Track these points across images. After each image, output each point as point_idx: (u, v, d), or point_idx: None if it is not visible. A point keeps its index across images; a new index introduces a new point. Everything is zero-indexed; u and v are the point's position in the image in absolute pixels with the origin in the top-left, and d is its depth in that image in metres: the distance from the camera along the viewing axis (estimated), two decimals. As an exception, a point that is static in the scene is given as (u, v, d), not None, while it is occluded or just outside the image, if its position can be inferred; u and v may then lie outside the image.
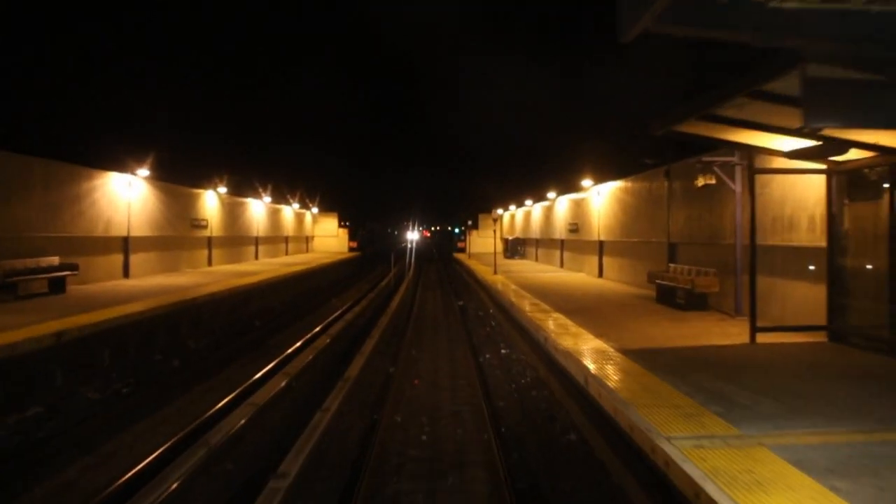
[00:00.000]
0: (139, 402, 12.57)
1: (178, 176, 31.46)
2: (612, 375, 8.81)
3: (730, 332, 12.67)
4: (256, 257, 43.92)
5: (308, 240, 61.59)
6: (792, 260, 13.12)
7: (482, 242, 62.83)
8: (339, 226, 64.18)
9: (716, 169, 14.74)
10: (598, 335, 12.35)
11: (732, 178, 14.83)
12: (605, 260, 28.36)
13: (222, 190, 35.06)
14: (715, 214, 16.59)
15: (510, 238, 51.29)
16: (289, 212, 52.91)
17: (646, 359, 9.91)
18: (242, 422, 10.43)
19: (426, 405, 13.07)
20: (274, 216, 49.01)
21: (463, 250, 66.05)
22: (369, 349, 16.52)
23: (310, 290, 34.90)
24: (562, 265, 37.50)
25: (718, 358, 10.15)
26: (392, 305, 26.30)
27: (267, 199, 45.00)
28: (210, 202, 34.24)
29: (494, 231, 37.46)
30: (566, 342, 11.58)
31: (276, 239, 49.65)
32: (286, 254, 52.38)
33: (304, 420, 10.57)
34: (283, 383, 13.03)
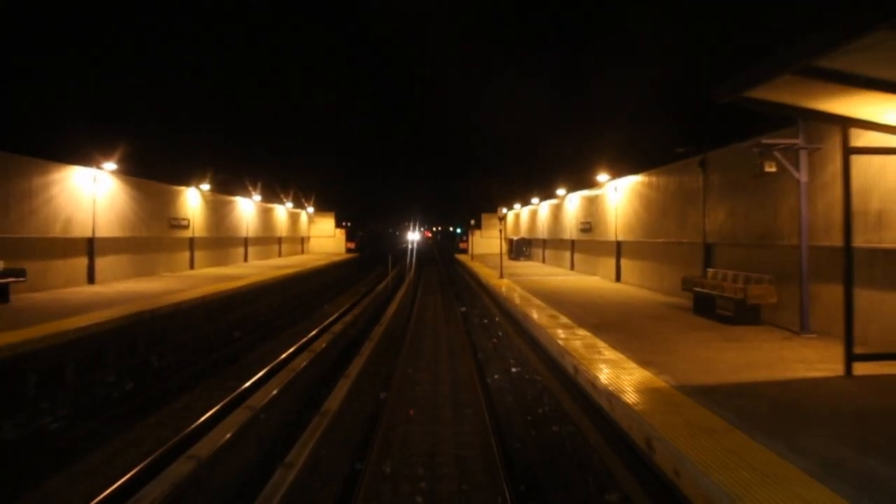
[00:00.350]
0: (62, 443, 9.97)
1: (157, 171, 28.91)
2: (687, 438, 6.16)
3: (807, 358, 10.01)
4: (246, 259, 41.34)
5: (304, 241, 59.03)
6: (882, 266, 10.47)
7: (485, 243, 60.31)
8: (337, 226, 61.58)
9: (776, 154, 12.07)
10: (642, 363, 9.70)
11: (795, 165, 12.17)
12: (624, 262, 25.72)
13: (206, 187, 32.44)
14: (768, 209, 13.92)
15: (515, 238, 48.65)
16: (282, 211, 50.35)
17: (720, 403, 7.28)
18: (176, 480, 7.80)
19: (423, 447, 10.46)
20: (266, 216, 46.43)
21: (465, 251, 63.45)
22: (357, 370, 13.89)
23: (300, 295, 32.30)
24: (572, 267, 34.86)
25: (817, 402, 7.51)
26: (388, 313, 23.68)
27: (257, 197, 42.42)
28: (192, 200, 31.65)
29: (500, 231, 34.81)
30: (603, 374, 8.95)
31: (267, 240, 47.08)
32: (279, 255, 49.78)
33: (261, 478, 8.00)
34: (246, 417, 10.39)
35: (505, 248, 63.68)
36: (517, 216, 54.63)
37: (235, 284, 24.75)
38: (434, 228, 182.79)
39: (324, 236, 61.43)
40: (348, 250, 61.65)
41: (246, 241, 41.26)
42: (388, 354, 17.02)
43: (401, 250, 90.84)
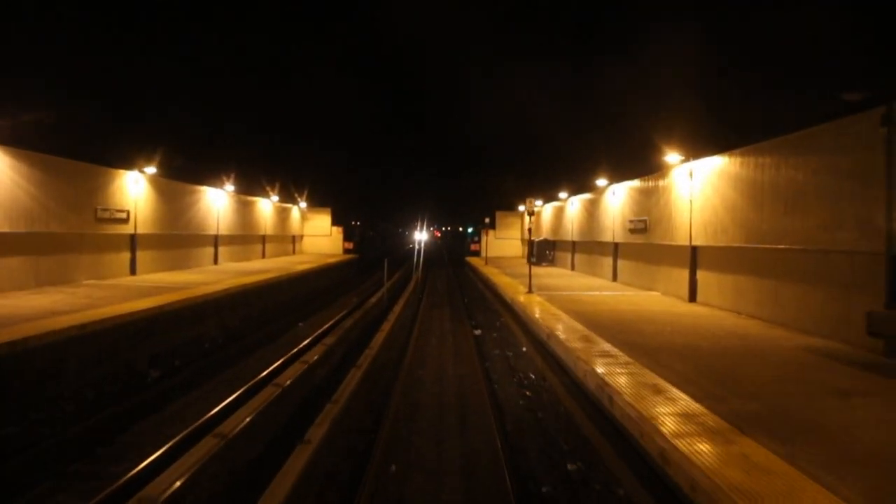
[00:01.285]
0: None
1: (87, 150, 22.18)
2: None
3: None
4: (216, 262, 34.58)
5: (295, 240, 52.24)
6: None
7: (500, 245, 53.31)
8: (334, 223, 54.76)
9: None
10: None
11: None
12: (703, 276, 18.66)
13: (152, 170, 25.60)
14: None
15: (536, 240, 41.64)
16: (266, 206, 43.58)
17: None
18: None
19: None
20: (245, 211, 39.68)
21: (477, 253, 56.48)
22: (297, 470, 7.02)
23: (270, 309, 25.54)
24: (615, 278, 27.87)
25: None
26: (375, 343, 16.79)
27: (230, 187, 35.67)
28: (134, 187, 24.82)
29: (528, 229, 27.86)
30: None
31: (247, 239, 40.32)
32: (263, 256, 43.01)
33: None
34: None
35: (523, 250, 56.80)
36: (538, 215, 47.62)
37: (175, 297, 17.95)
38: (444, 228, 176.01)
39: (319, 235, 54.65)
40: (346, 251, 54.84)
41: (216, 240, 34.50)
42: (362, 436, 10.10)
43: (406, 251, 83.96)
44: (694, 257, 19.08)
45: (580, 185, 33.78)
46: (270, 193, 43.66)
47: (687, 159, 19.30)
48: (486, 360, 16.78)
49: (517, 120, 64.86)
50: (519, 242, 55.16)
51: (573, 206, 35.16)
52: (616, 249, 27.64)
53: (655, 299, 20.19)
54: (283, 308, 26.52)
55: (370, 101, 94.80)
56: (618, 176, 27.32)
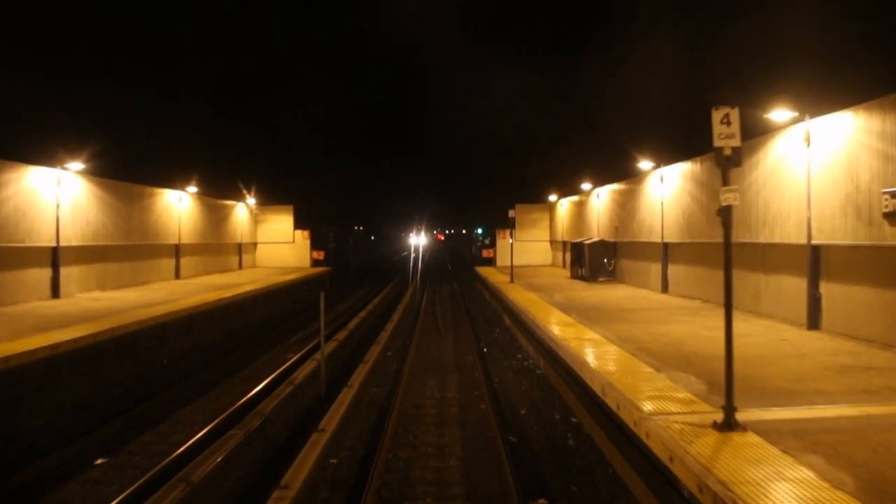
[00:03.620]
0: None
1: None
2: None
3: None
4: (55, 293, 20.46)
5: (241, 250, 38.13)
6: None
7: (524, 250, 38.92)
8: (299, 226, 40.61)
9: None
10: None
11: None
12: None
13: None
14: None
15: (587, 242, 27.32)
16: (177, 201, 29.46)
17: None
18: None
19: None
20: (132, 208, 25.66)
21: (490, 261, 42.19)
22: None
23: (114, 389, 11.31)
24: (815, 324, 13.60)
25: None
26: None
27: (76, 165, 21.50)
28: None
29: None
30: None
31: (142, 252, 26.28)
32: (176, 276, 28.93)
33: None
34: None
35: (549, 257, 42.27)
36: (578, 207, 33.38)
37: None
38: (447, 231, 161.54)
39: (278, 242, 40.57)
40: (315, 262, 40.72)
41: (55, 254, 20.34)
42: None
43: (398, 261, 69.81)
44: None
45: (676, 156, 19.73)
46: (184, 185, 29.52)
47: None
48: None
49: (542, 92, 50.43)
50: (547, 245, 40.94)
51: (655, 188, 20.92)
52: (818, 256, 13.41)
53: None
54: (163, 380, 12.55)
55: (350, 75, 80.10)
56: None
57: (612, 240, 26.63)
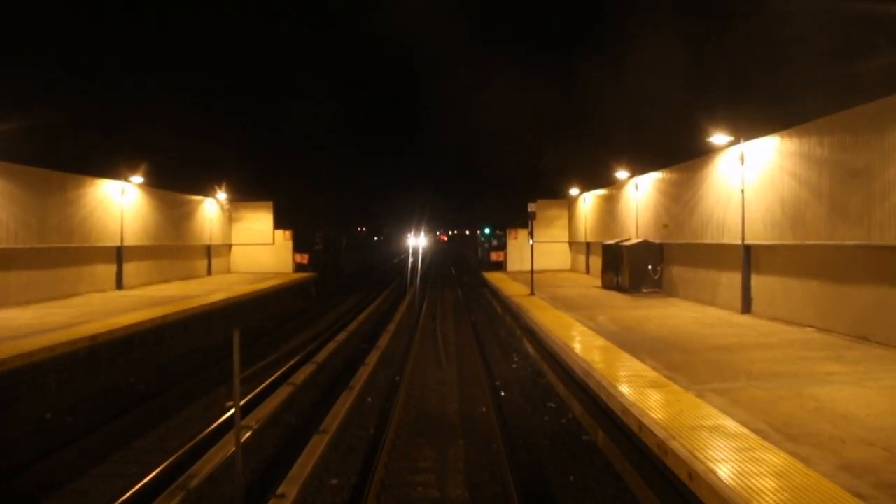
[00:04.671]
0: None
1: None
2: None
3: None
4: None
5: (211, 252, 32.75)
6: None
7: (542, 252, 33.33)
8: (279, 225, 35.19)
9: None
10: None
11: None
12: None
13: None
14: None
15: (626, 244, 21.80)
16: (129, 196, 24.11)
17: None
18: None
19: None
20: (76, 202, 20.37)
21: (499, 265, 36.64)
22: None
23: None
24: None
25: None
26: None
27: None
28: None
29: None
30: None
31: (82, 255, 20.97)
32: (117, 287, 23.55)
33: None
34: None
35: (572, 259, 36.40)
36: (607, 202, 27.93)
37: None
38: (450, 231, 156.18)
39: (256, 244, 35.22)
40: (298, 267, 35.31)
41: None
42: None
43: (396, 264, 64.27)
44: None
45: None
46: (129, 175, 24.08)
47: None
48: None
49: (559, 68, 44.81)
50: (565, 247, 35.49)
51: (752, 164, 15.39)
52: None
53: None
54: None
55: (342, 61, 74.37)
56: None
57: (657, 241, 21.15)
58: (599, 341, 11.88)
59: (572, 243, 35.14)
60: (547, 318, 15.38)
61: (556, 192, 35.32)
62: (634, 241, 21.77)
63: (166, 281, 27.20)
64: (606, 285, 23.19)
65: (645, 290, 20.85)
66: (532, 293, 20.62)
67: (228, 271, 34.79)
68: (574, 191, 32.58)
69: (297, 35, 60.72)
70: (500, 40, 54.48)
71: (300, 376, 13.40)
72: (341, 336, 18.98)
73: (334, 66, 68.85)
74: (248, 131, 40.14)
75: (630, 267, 20.98)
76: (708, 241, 17.36)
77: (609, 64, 27.72)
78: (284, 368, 14.84)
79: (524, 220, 36.80)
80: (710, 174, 17.12)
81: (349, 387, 12.42)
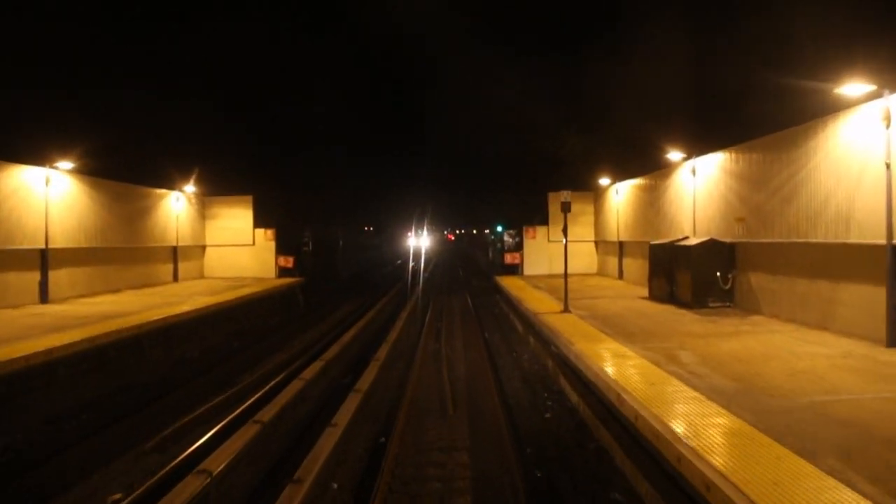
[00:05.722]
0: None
1: None
2: None
3: None
4: None
5: (179, 255, 28.02)
6: None
7: (570, 253, 28.37)
8: (260, 223, 30.44)
9: None
10: None
11: None
12: None
13: None
14: None
15: (688, 244, 16.85)
16: (56, 186, 19.37)
17: None
18: None
19: None
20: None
21: (514, 269, 31.65)
22: None
23: None
24: None
25: None
26: None
27: None
28: None
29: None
30: None
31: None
32: (40, 300, 18.79)
33: None
34: None
35: (593, 260, 31.05)
36: (648, 193, 22.96)
37: None
38: (457, 231, 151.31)
39: (233, 245, 30.49)
40: (282, 271, 30.51)
41: None
42: None
43: (399, 266, 59.30)
44: None
45: None
46: (60, 156, 19.30)
47: None
48: None
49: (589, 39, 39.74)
50: (591, 248, 30.57)
51: None
52: None
53: None
54: None
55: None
56: None
57: (728, 240, 16.21)
58: (719, 419, 6.99)
59: (599, 242, 30.21)
60: (600, 354, 10.52)
61: (579, 184, 30.33)
62: (697, 240, 16.81)
63: (115, 291, 22.49)
64: (655, 296, 18.28)
65: (712, 305, 15.94)
66: (566, 309, 15.70)
67: (201, 276, 30.10)
68: (604, 180, 27.62)
69: (296, 21, 55.92)
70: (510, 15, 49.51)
71: (230, 450, 8.55)
72: (318, 364, 14.15)
73: (332, 53, 64.04)
74: (229, 117, 35.35)
75: (693, 274, 16.05)
76: (817, 239, 12.41)
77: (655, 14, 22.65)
78: (216, 429, 10.02)
79: (543, 217, 32.11)
80: (823, 147, 12.18)
81: (295, 479, 7.56)
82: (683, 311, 15.54)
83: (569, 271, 29.31)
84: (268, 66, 46.83)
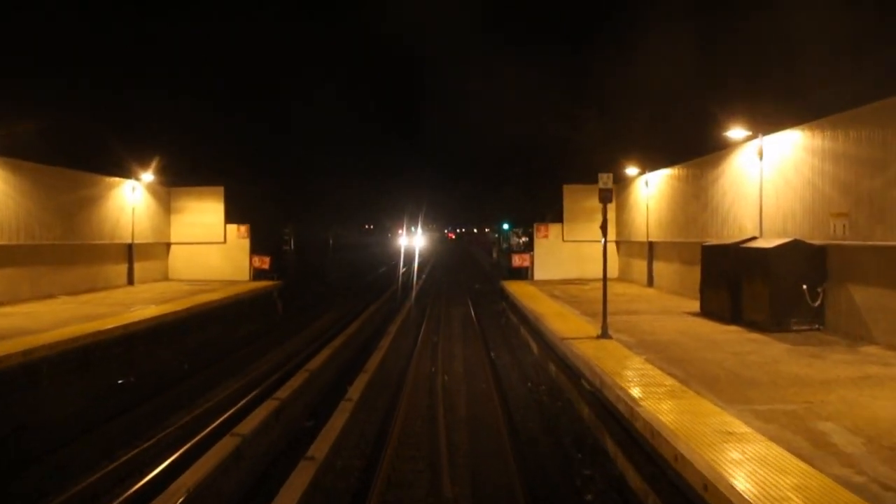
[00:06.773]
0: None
1: None
2: None
3: None
4: None
5: (135, 254, 24.10)
6: None
7: (579, 255, 24.53)
8: (233, 218, 26.56)
9: None
10: None
11: None
12: None
13: None
14: None
15: (755, 246, 12.93)
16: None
17: None
18: None
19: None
20: None
21: (522, 273, 27.59)
22: None
23: None
24: None
25: None
26: None
27: None
28: None
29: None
30: None
31: None
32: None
33: None
34: None
35: (614, 263, 26.50)
36: (689, 184, 19.01)
37: None
38: (458, 230, 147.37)
39: (203, 242, 26.60)
40: (257, 273, 26.57)
41: None
42: None
43: (393, 267, 55.27)
44: None
45: None
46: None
47: None
48: None
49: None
50: (611, 249, 26.48)
51: None
52: None
53: None
54: None
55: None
56: None
57: (818, 243, 12.26)
58: None
59: (621, 243, 26.29)
60: (692, 432, 6.61)
61: (596, 176, 26.38)
62: (773, 241, 12.86)
63: (46, 297, 18.59)
64: (711, 312, 14.35)
65: (796, 328, 12.03)
66: (605, 334, 11.73)
67: (165, 279, 26.22)
68: (631, 170, 23.67)
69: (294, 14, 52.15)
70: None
71: None
72: (269, 405, 10.22)
73: (332, 45, 60.24)
74: (205, 105, 31.50)
75: (771, 286, 12.12)
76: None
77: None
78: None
79: (556, 213, 28.23)
80: None
81: None
82: (761, 337, 11.62)
83: (583, 276, 25.57)
84: (258, 55, 43.11)
